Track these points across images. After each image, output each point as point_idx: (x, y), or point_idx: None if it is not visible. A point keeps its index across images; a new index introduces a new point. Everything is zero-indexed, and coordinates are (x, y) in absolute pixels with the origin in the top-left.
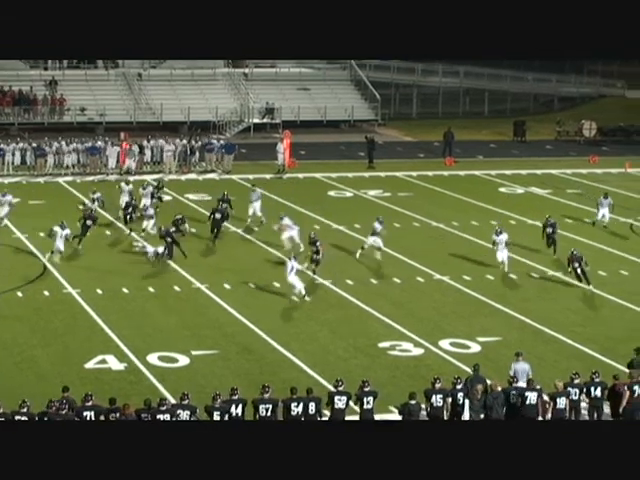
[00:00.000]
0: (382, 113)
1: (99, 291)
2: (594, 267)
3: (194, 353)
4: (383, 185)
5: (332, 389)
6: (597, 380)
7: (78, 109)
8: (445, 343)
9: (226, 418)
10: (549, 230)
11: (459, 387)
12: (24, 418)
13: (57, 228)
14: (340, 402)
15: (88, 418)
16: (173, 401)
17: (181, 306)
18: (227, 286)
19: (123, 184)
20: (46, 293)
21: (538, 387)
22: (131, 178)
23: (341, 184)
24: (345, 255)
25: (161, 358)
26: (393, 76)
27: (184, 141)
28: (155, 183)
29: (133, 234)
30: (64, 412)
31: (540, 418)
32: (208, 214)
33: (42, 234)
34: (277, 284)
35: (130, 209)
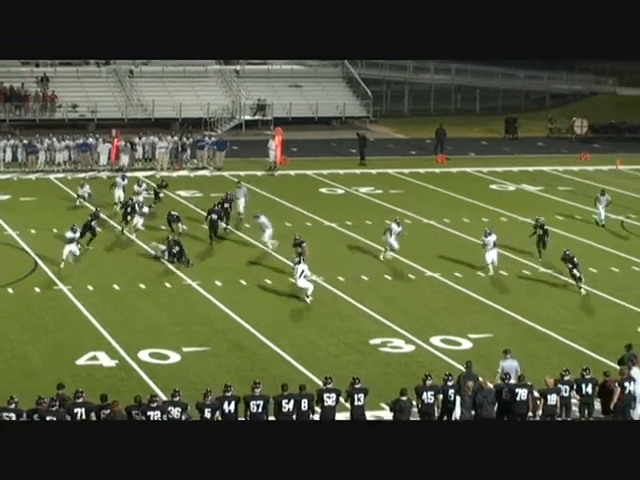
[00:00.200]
0: (374, 110)
1: (90, 288)
2: (585, 264)
3: (185, 350)
4: (375, 182)
5: (322, 386)
6: (588, 377)
7: (69, 106)
8: (436, 340)
9: (218, 415)
10: (539, 231)
11: (450, 384)
12: (12, 415)
13: (70, 233)
14: (330, 399)
15: (79, 415)
16: (164, 398)
17: (172, 303)
18: (218, 283)
19: (119, 179)
20: (37, 290)
21: (529, 384)
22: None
23: (332, 181)
24: (336, 252)
25: (152, 355)
26: (385, 73)
27: (175, 138)
28: (146, 182)
29: (126, 232)
30: (55, 409)
31: (530, 414)
32: (205, 214)
33: (33, 230)
34: (268, 281)
35: (129, 209)
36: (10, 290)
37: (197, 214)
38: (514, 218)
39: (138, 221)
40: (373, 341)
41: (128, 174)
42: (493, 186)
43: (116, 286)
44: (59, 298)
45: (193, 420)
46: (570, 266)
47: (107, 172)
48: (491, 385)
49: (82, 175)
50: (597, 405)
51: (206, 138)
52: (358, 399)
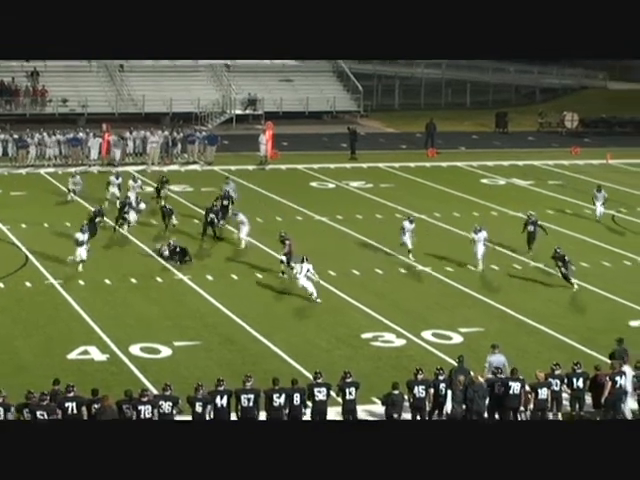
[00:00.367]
0: (364, 104)
1: (81, 282)
2: (576, 258)
3: (176, 344)
4: (365, 176)
5: (312, 381)
6: (579, 371)
7: (60, 100)
8: (427, 334)
9: (209, 409)
10: (530, 228)
11: (441, 378)
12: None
13: (80, 235)
14: (320, 394)
15: (70, 409)
16: (155, 392)
17: (163, 297)
18: (209, 277)
19: (113, 177)
20: (28, 284)
21: (522, 377)
22: (119, 169)
23: (323, 175)
24: (327, 246)
25: (143, 349)
26: (375, 67)
27: (166, 132)
28: (141, 179)
29: (120, 230)
30: (45, 403)
31: (522, 409)
32: (204, 213)
33: (24, 225)
34: (259, 275)
35: (126, 208)
36: (1, 284)
37: (189, 210)
38: (504, 212)
39: (132, 217)
40: (364, 335)
41: (120, 169)
42: (483, 180)
43: (107, 280)
44: (50, 293)
45: (184, 419)
46: (560, 264)
47: (98, 167)
48: (482, 380)
49: (73, 170)
50: (588, 399)
51: (197, 133)
52: (350, 393)
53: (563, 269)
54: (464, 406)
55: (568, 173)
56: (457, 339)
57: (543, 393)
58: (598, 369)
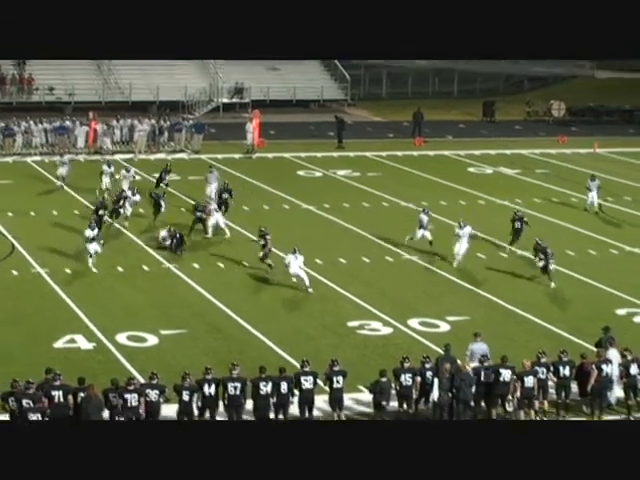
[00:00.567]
0: (352, 93)
1: (68, 271)
2: (562, 247)
3: (163, 332)
4: (352, 165)
5: (299, 369)
6: (565, 359)
7: (47, 88)
8: (414, 322)
9: (196, 397)
10: (517, 224)
11: (428, 366)
12: None
13: (89, 231)
14: (307, 382)
15: (56, 398)
16: (142, 380)
17: (150, 286)
18: (196, 266)
19: (105, 166)
20: (14, 273)
21: (513, 365)
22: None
23: (310, 164)
24: (314, 235)
25: (130, 338)
26: None
27: (153, 121)
28: (132, 169)
29: (117, 225)
30: (31, 392)
31: (509, 397)
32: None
33: (10, 214)
34: (246, 264)
35: (122, 201)
36: None
37: (177, 199)
38: (491, 201)
39: (128, 209)
40: (351, 323)
41: (108, 157)
42: (471, 169)
43: (94, 269)
44: (36, 281)
45: (170, 420)
46: (542, 257)
47: (85, 155)
48: (469, 368)
49: (59, 158)
50: (574, 387)
51: (184, 121)
52: (337, 381)
53: (543, 262)
54: (450, 394)
55: (555, 162)
56: (444, 327)
57: (529, 381)
58: (584, 357)
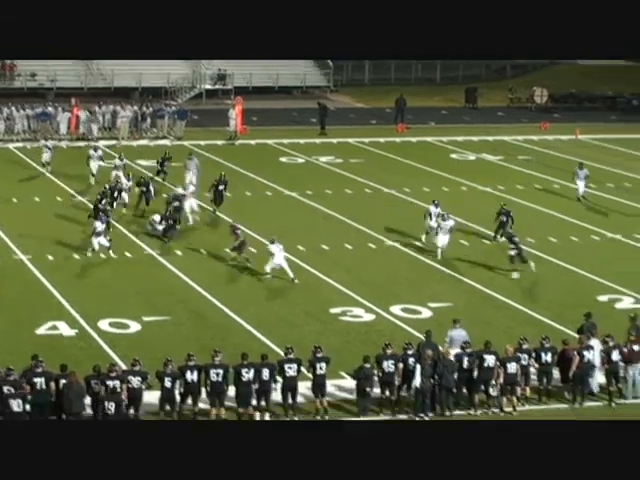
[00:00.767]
0: (334, 79)
1: (50, 257)
2: (544, 233)
3: (145, 319)
4: (335, 151)
5: (283, 356)
6: (547, 345)
7: (28, 74)
8: (396, 309)
9: (178, 384)
10: (503, 218)
11: (410, 352)
12: None
13: (98, 224)
14: (291, 370)
15: (38, 385)
16: (124, 367)
17: (132, 272)
18: (178, 252)
19: (92, 151)
20: None
21: (496, 351)
22: (83, 144)
23: (293, 150)
24: (297, 221)
25: (112, 324)
26: None
27: (135, 107)
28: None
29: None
30: (12, 378)
31: (493, 382)
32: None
33: None
34: (228, 250)
35: (116, 193)
36: None
37: (159, 185)
38: (474, 187)
39: (125, 198)
40: (333, 310)
41: (92, 143)
42: (453, 155)
43: (76, 256)
44: (19, 268)
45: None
46: (512, 246)
47: (67, 141)
48: (451, 355)
49: (42, 144)
50: (556, 374)
51: (166, 107)
52: (320, 368)
53: (515, 251)
54: (432, 381)
55: (537, 148)
56: (426, 314)
57: (512, 367)
58: (566, 343)
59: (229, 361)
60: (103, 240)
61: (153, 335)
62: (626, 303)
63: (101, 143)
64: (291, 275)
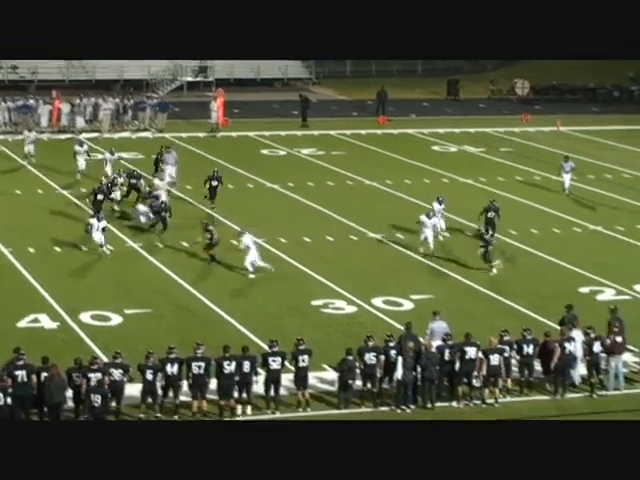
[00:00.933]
0: (316, 72)
1: (31, 250)
2: (526, 225)
3: (127, 312)
4: (317, 144)
5: (267, 349)
6: (529, 337)
7: (9, 67)
8: (378, 301)
9: (160, 377)
10: (491, 214)
11: (392, 345)
12: None
13: (93, 220)
14: (275, 363)
15: (20, 378)
16: (105, 360)
17: (114, 265)
18: (160, 245)
19: (77, 147)
20: None
21: (477, 342)
22: (64, 136)
23: (274, 142)
24: (278, 213)
25: (94, 317)
26: None
27: (117, 100)
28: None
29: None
30: None
31: (475, 373)
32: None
33: None
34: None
35: (110, 185)
36: None
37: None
38: (455, 179)
39: (118, 194)
40: (315, 302)
41: (76, 135)
42: (435, 147)
43: (57, 248)
44: (0, 261)
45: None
46: (482, 243)
47: (48, 134)
48: (434, 348)
49: (23, 137)
50: (538, 365)
51: (148, 100)
52: (302, 360)
53: (484, 249)
54: (414, 373)
55: (519, 140)
56: (408, 306)
57: (495, 359)
58: (548, 335)
59: (211, 353)
60: (100, 236)
61: (135, 328)
62: (607, 295)
63: (83, 136)
64: (268, 266)
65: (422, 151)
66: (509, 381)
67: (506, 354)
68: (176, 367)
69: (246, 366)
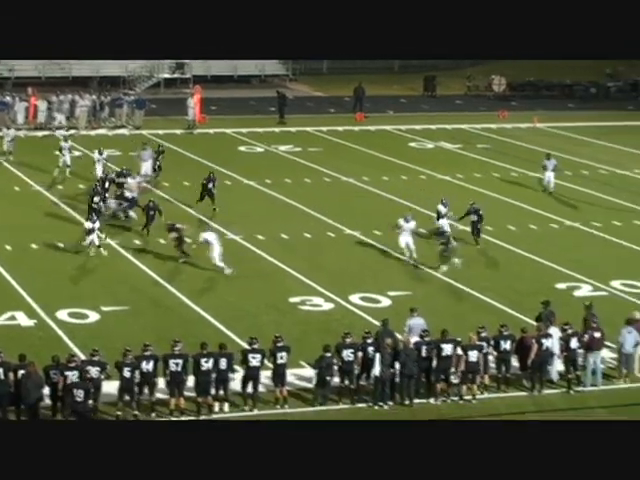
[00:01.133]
0: (293, 68)
1: (8, 247)
2: (503, 221)
3: (104, 309)
4: (294, 140)
5: (246, 347)
6: (506, 333)
7: None
8: (355, 298)
9: (137, 374)
10: (473, 217)
11: (369, 341)
12: None
13: (89, 224)
14: (254, 360)
15: None
16: (83, 357)
17: (91, 262)
18: (137, 242)
19: (63, 143)
20: None
21: (458, 339)
22: (41, 134)
23: (252, 139)
24: (256, 210)
25: (71, 314)
26: None
27: (93, 96)
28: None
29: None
30: None
31: (453, 369)
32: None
33: None
34: (188, 240)
35: (106, 182)
36: None
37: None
38: (433, 176)
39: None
40: (292, 299)
41: (46, 132)
42: (412, 144)
43: (34, 245)
44: None
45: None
46: (443, 241)
47: (25, 131)
48: (412, 344)
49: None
50: (514, 362)
51: (125, 96)
52: (281, 357)
53: (443, 247)
54: (392, 370)
55: (496, 137)
56: (385, 302)
57: (473, 355)
58: (525, 331)
59: (188, 351)
60: (95, 238)
61: (112, 325)
62: (584, 291)
63: (58, 133)
64: (227, 269)
65: (399, 148)
66: (486, 377)
67: (484, 350)
68: (152, 364)
69: (223, 363)
